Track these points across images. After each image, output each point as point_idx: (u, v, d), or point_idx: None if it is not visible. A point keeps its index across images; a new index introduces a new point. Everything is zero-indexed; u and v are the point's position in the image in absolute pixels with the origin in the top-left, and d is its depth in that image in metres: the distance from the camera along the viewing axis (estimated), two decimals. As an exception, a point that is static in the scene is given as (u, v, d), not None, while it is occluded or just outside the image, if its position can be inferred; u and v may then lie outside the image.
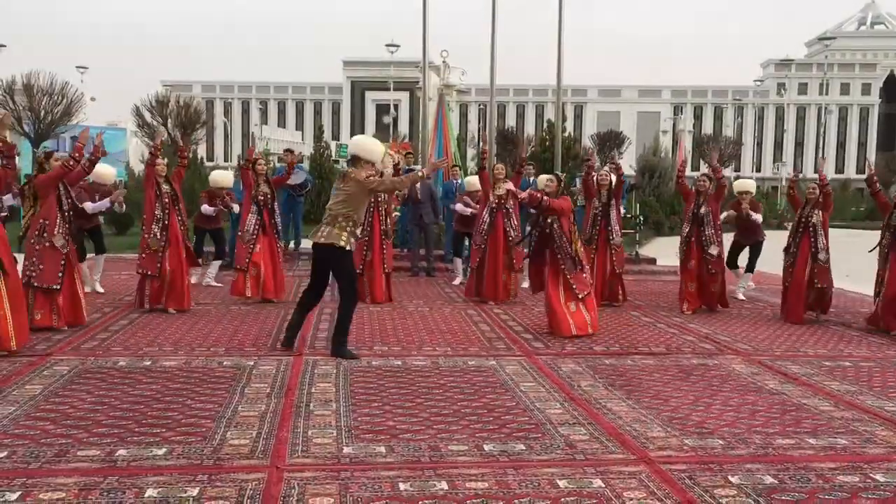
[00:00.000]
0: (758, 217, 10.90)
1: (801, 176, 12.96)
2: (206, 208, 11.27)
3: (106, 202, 9.92)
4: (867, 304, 9.82)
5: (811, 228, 9.10)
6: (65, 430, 4.66)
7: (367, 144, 6.81)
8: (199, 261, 10.64)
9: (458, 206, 11.73)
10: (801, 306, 9.14)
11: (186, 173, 10.55)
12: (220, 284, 11.15)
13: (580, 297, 7.98)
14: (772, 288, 11.64)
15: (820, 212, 9.17)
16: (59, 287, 7.42)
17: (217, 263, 11.59)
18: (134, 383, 5.77)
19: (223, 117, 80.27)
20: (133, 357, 6.63)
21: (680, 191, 10.55)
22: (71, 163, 7.34)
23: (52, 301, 7.47)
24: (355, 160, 6.66)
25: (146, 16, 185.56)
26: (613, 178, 9.97)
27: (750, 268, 11.18)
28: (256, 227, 9.62)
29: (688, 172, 11.22)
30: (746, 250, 11.12)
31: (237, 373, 6.14)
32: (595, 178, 9.88)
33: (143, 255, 8.74)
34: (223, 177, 11.70)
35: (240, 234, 9.81)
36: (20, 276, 6.90)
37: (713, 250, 9.49)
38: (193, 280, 10.28)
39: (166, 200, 8.75)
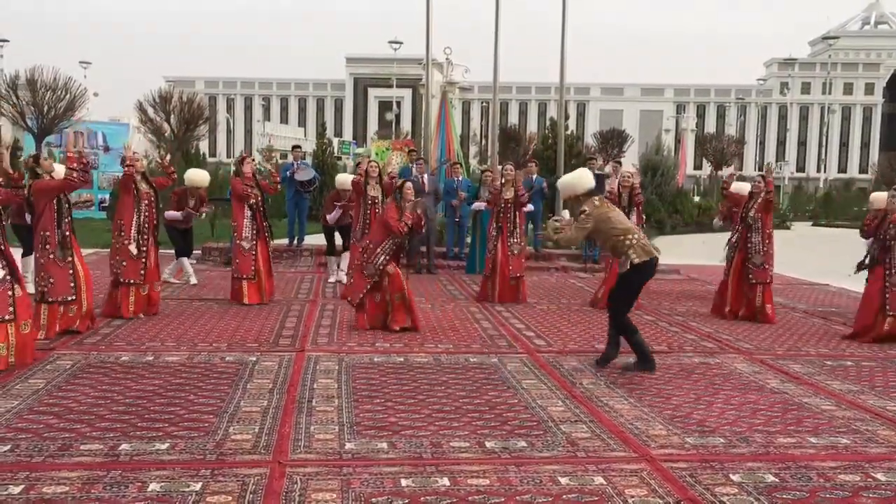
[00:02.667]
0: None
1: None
2: (171, 214, 10.53)
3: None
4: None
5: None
6: (68, 424, 4.68)
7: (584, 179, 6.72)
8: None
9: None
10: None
11: (181, 170, 10.43)
12: (178, 281, 10.84)
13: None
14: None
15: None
16: (73, 298, 7.27)
17: (187, 261, 11.11)
18: (137, 378, 5.78)
19: (226, 113, 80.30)
20: (136, 352, 6.65)
21: (730, 201, 10.09)
22: (74, 175, 7.24)
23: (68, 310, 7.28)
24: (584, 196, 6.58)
25: (149, 11, 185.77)
26: (636, 181, 9.93)
27: None
28: (253, 232, 9.42)
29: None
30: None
31: (239, 368, 6.16)
32: (617, 181, 9.86)
33: (125, 263, 8.26)
34: (199, 176, 10.83)
35: (238, 242, 9.45)
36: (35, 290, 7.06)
37: (757, 259, 9.17)
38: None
39: (145, 202, 8.43)
